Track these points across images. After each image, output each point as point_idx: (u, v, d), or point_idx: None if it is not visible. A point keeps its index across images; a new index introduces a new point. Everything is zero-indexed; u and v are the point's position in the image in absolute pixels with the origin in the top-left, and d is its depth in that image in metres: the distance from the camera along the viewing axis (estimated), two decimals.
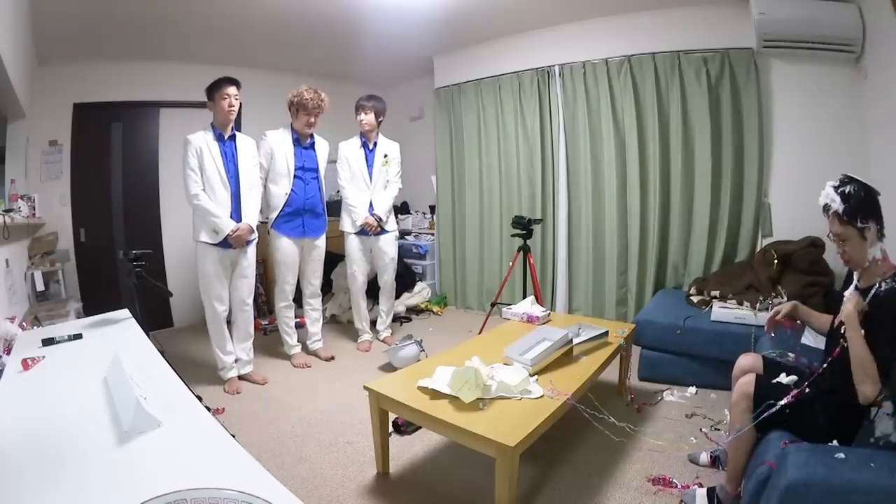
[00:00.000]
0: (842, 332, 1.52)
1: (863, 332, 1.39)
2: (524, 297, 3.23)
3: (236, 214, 2.77)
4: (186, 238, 2.87)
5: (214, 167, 2.69)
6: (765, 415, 1.49)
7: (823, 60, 2.96)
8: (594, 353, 2.25)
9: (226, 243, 2.71)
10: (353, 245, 3.48)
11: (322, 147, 3.28)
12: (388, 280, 3.62)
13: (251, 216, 2.82)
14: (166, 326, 4.22)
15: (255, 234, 2.88)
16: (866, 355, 1.36)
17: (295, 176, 3.09)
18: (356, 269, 3.53)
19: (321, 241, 3.29)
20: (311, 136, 3.19)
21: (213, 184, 2.69)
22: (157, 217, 4.17)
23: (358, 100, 3.40)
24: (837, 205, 1.43)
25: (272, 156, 3.05)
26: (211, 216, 2.66)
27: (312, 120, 3.06)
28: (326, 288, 4.59)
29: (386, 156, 3.45)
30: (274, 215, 3.09)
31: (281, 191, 3.06)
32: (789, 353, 1.99)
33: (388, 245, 3.53)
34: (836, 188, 1.44)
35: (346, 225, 3.46)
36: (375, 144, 3.44)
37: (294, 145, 3.10)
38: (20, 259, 3.13)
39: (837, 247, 1.49)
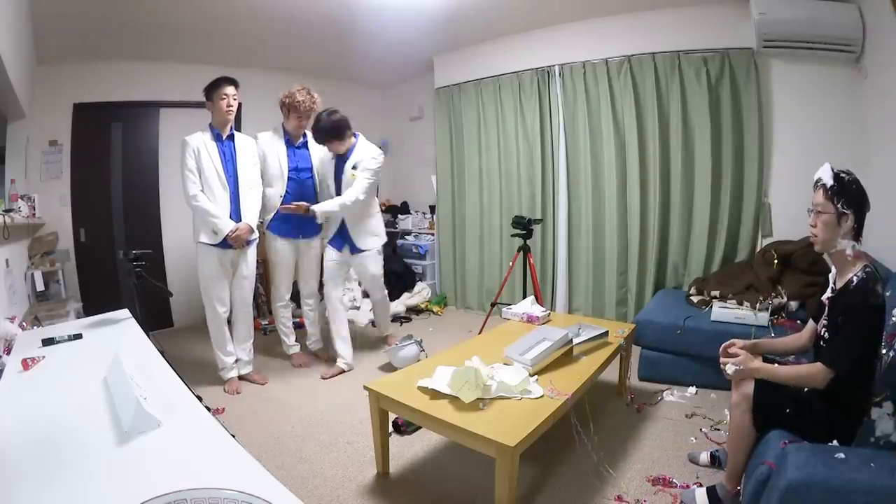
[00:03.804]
0: (822, 334, 1.54)
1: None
2: (524, 297, 3.23)
3: (235, 214, 2.76)
4: (186, 238, 2.87)
5: (212, 167, 2.68)
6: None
7: (823, 60, 2.96)
8: (594, 353, 2.25)
9: (225, 244, 2.70)
10: (328, 257, 3.17)
11: (316, 145, 3.22)
12: (377, 297, 3.39)
13: (251, 216, 2.82)
14: (166, 326, 4.22)
15: (256, 234, 2.88)
16: (793, 375, 1.51)
17: (289, 178, 3.04)
18: (329, 287, 3.16)
19: (317, 242, 3.25)
20: (304, 135, 3.15)
21: (211, 184, 2.68)
22: (157, 217, 4.17)
23: (313, 132, 2.98)
24: (827, 180, 1.47)
25: (264, 158, 3.00)
26: (210, 217, 2.65)
27: (304, 122, 3.03)
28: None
29: (354, 167, 2.99)
30: (269, 217, 3.06)
31: (275, 193, 3.03)
32: None
33: (370, 262, 3.16)
34: (833, 168, 1.48)
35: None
36: (349, 152, 3.05)
37: (286, 146, 3.06)
38: (20, 259, 3.13)
39: (811, 221, 1.52)
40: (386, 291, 3.43)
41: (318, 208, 2.90)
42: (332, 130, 2.90)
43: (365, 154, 3.02)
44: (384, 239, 3.27)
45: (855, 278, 1.45)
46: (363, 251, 3.10)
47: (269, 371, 3.15)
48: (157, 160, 4.15)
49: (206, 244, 2.70)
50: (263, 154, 3.01)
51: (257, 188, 2.92)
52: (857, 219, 1.44)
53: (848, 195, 1.43)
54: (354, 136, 3.06)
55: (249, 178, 2.85)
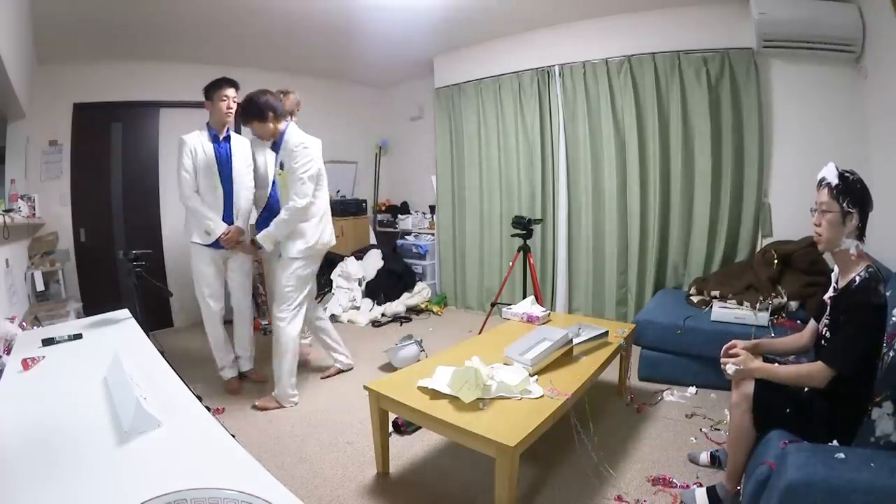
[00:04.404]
0: (824, 333, 1.54)
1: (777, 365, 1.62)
2: (524, 297, 3.23)
3: (228, 216, 2.76)
4: (186, 238, 2.88)
5: (208, 168, 2.69)
6: None
7: (823, 60, 2.96)
8: (594, 353, 2.25)
9: (218, 244, 2.72)
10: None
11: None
12: (277, 321, 2.64)
13: (242, 218, 2.83)
14: (166, 326, 4.22)
15: (246, 235, 2.88)
16: (793, 374, 1.51)
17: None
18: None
19: None
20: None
21: (205, 185, 2.70)
22: (157, 217, 4.17)
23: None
24: (833, 179, 1.46)
25: (254, 160, 2.96)
26: (203, 217, 2.67)
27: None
28: (326, 288, 4.60)
29: (282, 166, 2.62)
30: (255, 217, 3.01)
31: (262, 195, 2.97)
32: None
33: (279, 268, 2.67)
34: (837, 168, 1.48)
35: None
36: (276, 144, 2.70)
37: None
38: (20, 259, 3.13)
39: (815, 220, 1.51)
40: (284, 326, 2.59)
41: (260, 237, 2.60)
42: (251, 109, 2.53)
43: (288, 148, 2.56)
44: (309, 243, 2.63)
45: (857, 278, 1.45)
46: (280, 255, 2.66)
47: (269, 371, 3.14)
48: (157, 160, 4.15)
49: (198, 244, 2.72)
50: (253, 156, 2.98)
51: (250, 190, 2.91)
52: (861, 218, 1.44)
53: (853, 194, 1.43)
54: (286, 121, 2.63)
55: (243, 180, 2.85)
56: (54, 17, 2.89)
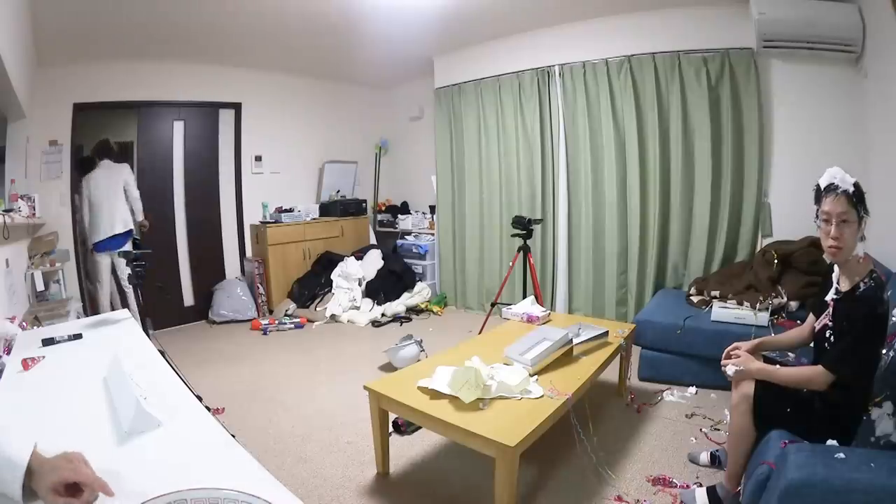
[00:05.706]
0: (826, 336, 1.54)
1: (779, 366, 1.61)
2: (524, 297, 3.23)
3: None
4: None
5: None
6: None
7: (823, 60, 2.96)
8: (594, 353, 2.25)
9: None
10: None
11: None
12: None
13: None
14: (166, 326, 4.23)
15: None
16: (794, 377, 1.51)
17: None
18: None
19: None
20: None
21: None
22: (156, 217, 4.17)
23: None
24: (848, 186, 1.42)
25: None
26: None
27: None
28: (326, 288, 4.60)
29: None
30: None
31: None
32: (789, 353, 1.99)
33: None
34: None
35: None
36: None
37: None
38: (20, 259, 3.12)
39: (832, 231, 1.43)
40: None
41: None
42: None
43: None
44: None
45: (862, 284, 1.44)
46: None
47: (270, 371, 3.15)
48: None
49: None
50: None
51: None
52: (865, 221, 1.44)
53: (863, 199, 1.42)
54: None
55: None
56: (54, 18, 2.89)
